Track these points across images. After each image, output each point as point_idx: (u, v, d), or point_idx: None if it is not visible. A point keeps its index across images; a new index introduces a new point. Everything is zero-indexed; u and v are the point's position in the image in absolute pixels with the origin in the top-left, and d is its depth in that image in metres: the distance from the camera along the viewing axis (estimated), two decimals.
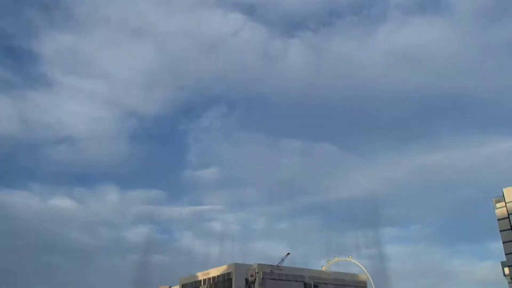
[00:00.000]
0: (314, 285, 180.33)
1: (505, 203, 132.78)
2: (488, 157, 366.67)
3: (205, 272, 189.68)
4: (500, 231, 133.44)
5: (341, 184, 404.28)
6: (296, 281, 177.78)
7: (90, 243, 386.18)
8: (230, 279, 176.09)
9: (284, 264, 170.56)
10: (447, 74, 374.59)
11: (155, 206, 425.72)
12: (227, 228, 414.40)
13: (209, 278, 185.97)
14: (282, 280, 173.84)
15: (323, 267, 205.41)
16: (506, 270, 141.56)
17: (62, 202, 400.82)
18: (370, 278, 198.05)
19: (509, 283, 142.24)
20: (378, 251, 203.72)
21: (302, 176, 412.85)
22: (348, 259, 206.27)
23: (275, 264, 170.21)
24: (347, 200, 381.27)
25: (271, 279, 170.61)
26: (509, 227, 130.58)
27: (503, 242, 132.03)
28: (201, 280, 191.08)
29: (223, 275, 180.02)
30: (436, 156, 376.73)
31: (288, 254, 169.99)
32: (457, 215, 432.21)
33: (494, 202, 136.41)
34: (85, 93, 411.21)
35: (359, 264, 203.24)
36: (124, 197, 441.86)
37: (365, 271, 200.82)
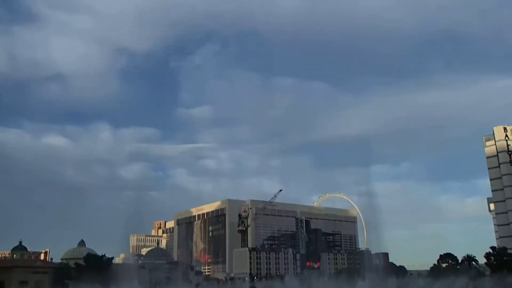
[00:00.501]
0: (305, 221, 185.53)
1: (495, 141, 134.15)
2: (480, 95, 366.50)
3: (199, 208, 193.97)
4: (489, 168, 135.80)
5: (333, 122, 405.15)
6: (288, 216, 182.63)
7: (85, 181, 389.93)
8: (224, 215, 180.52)
9: (277, 200, 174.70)
10: (444, 10, 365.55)
11: (148, 144, 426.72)
12: (220, 165, 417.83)
13: (203, 214, 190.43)
14: (275, 215, 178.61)
15: (315, 203, 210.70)
16: (492, 206, 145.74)
17: (55, 140, 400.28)
18: (360, 214, 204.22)
19: (493, 218, 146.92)
20: (368, 188, 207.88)
21: (295, 114, 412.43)
22: (339, 195, 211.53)
23: (268, 200, 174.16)
24: (338, 138, 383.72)
25: (264, 214, 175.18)
26: (498, 164, 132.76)
27: (491, 179, 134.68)
28: (195, 216, 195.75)
29: (216, 210, 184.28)
30: (429, 95, 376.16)
31: (281, 190, 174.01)
32: (446, 153, 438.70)
33: (484, 140, 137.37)
34: (73, 29, 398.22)
35: (349, 200, 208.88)
36: (117, 135, 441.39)
37: (355, 207, 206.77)
